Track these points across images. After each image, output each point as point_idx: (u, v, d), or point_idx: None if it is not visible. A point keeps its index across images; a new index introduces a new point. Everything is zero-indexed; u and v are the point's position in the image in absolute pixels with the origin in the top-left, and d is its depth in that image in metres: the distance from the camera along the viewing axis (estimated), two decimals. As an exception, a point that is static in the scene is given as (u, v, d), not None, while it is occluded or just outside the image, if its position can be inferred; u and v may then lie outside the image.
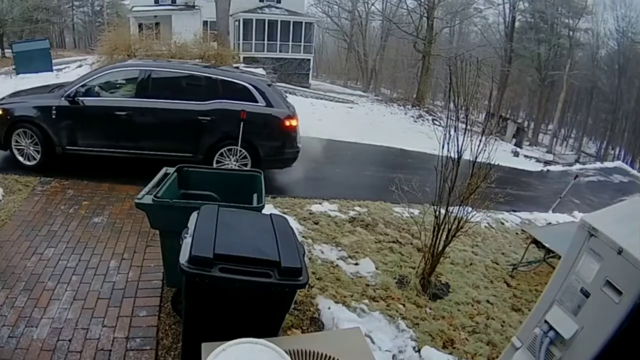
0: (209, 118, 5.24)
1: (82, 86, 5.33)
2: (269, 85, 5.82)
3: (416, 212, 4.99)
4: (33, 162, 5.34)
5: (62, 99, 5.23)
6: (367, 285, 3.68)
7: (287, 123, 5.50)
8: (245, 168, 5.33)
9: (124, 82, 5.66)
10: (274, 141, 5.52)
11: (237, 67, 9.70)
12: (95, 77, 5.49)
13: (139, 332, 2.67)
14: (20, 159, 5.34)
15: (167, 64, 6.26)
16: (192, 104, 5.29)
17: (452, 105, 3.88)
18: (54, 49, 21.45)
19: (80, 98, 5.24)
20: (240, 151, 5.33)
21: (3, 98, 5.66)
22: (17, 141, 5.32)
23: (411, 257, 4.31)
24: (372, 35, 36.74)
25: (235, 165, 5.43)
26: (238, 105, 5.23)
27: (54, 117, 5.22)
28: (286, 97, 6.07)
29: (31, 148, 5.33)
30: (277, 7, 25.45)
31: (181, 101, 5.31)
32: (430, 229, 3.79)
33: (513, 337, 2.15)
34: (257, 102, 5.34)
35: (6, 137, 5.28)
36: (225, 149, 5.37)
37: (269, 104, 5.42)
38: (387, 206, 5.59)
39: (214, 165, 5.32)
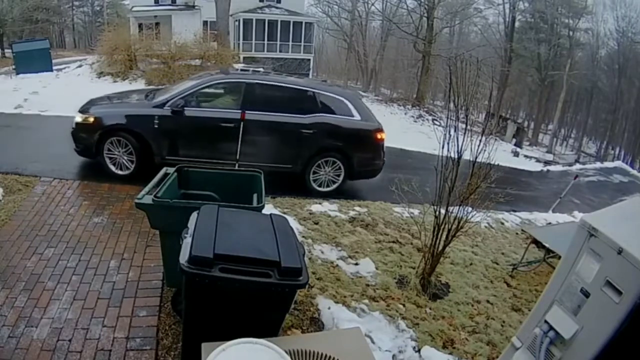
0: (311, 131, 5.39)
1: (187, 97, 5.33)
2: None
3: (416, 212, 4.98)
4: (126, 172, 5.31)
5: (166, 108, 5.23)
6: (367, 285, 3.68)
7: (379, 136, 5.71)
8: (246, 169, 5.34)
9: (224, 93, 5.75)
10: (366, 153, 5.74)
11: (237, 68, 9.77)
12: (199, 88, 5.48)
13: (139, 332, 2.67)
14: (112, 167, 5.30)
15: (269, 77, 6.37)
16: (294, 117, 5.42)
17: (452, 105, 3.88)
18: (54, 49, 21.47)
19: (185, 108, 5.26)
20: (335, 162, 5.58)
21: (86, 106, 5.65)
22: (109, 150, 5.26)
23: (411, 257, 4.31)
24: (372, 35, 36.70)
25: (330, 176, 5.70)
26: (337, 119, 5.48)
27: (156, 126, 5.20)
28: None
29: (125, 157, 5.27)
30: (277, 7, 25.45)
31: (284, 114, 5.43)
32: (430, 229, 3.79)
33: (513, 337, 2.15)
34: (353, 115, 5.53)
35: (98, 146, 5.22)
36: (322, 160, 5.56)
37: (363, 118, 5.63)
38: (387, 206, 5.59)
39: (310, 177, 5.56)
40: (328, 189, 5.72)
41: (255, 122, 5.29)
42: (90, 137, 5.25)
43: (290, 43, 25.05)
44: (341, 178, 5.67)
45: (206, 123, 5.33)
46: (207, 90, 5.56)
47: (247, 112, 5.27)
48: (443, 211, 3.69)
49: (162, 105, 5.28)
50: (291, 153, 5.47)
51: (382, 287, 3.67)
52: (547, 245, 4.62)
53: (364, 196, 6.03)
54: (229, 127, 5.26)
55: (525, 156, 18.24)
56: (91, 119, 5.29)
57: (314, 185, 5.66)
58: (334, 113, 5.51)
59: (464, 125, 3.84)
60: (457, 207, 3.72)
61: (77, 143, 5.40)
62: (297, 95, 5.60)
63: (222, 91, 5.76)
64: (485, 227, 5.69)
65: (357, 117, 5.56)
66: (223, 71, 7.41)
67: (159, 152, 5.31)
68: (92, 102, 5.82)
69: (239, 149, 5.16)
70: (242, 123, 5.16)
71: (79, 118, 5.38)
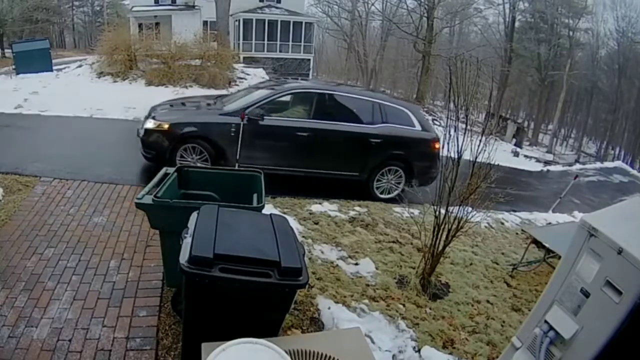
0: (379, 140, 5.58)
1: (262, 106, 5.47)
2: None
3: (416, 212, 4.99)
4: (390, 195, 5.59)
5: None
6: (367, 285, 3.68)
7: (436, 145, 5.90)
8: (246, 168, 5.38)
9: (295, 102, 5.90)
10: (425, 161, 5.95)
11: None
12: (274, 97, 5.63)
13: (139, 332, 2.67)
14: (378, 194, 5.57)
15: (339, 87, 6.56)
16: (363, 127, 5.61)
17: (452, 105, 3.88)
18: (54, 49, 21.47)
19: (263, 117, 5.43)
20: (397, 170, 5.81)
21: (152, 112, 5.71)
22: (182, 156, 5.34)
23: (411, 257, 4.31)
24: (372, 35, 36.71)
25: (391, 184, 5.91)
26: (402, 130, 5.73)
27: (232, 135, 5.28)
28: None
29: (198, 164, 5.35)
30: (277, 7, 25.47)
31: (353, 124, 5.63)
32: (430, 229, 3.79)
33: (513, 337, 2.15)
34: (414, 126, 5.80)
35: (172, 153, 5.30)
36: (386, 168, 5.78)
37: (423, 128, 5.93)
38: (387, 206, 5.59)
39: (375, 185, 5.74)
40: (389, 195, 5.95)
41: (328, 131, 5.52)
42: (164, 143, 5.33)
43: (290, 43, 25.06)
44: (401, 185, 5.88)
45: (282, 132, 5.51)
46: (280, 99, 5.76)
47: (319, 121, 5.55)
48: (443, 211, 3.69)
49: (237, 113, 5.39)
50: (359, 161, 5.64)
51: (382, 287, 3.67)
52: (547, 245, 4.62)
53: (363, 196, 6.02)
54: (302, 135, 5.48)
55: (525, 156, 18.24)
56: (166, 126, 5.34)
57: (377, 193, 5.85)
58: (398, 123, 5.74)
59: (464, 125, 3.84)
60: (457, 207, 3.72)
61: (149, 149, 5.47)
62: (365, 105, 5.77)
63: (293, 101, 5.94)
64: (485, 227, 5.69)
65: (418, 127, 5.83)
66: (287, 81, 7.63)
67: (233, 160, 5.41)
68: (155, 109, 5.93)
69: (308, 157, 5.38)
70: (313, 132, 5.44)
71: (151, 124, 5.43)
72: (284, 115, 5.71)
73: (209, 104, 6.11)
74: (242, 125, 5.26)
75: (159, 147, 5.36)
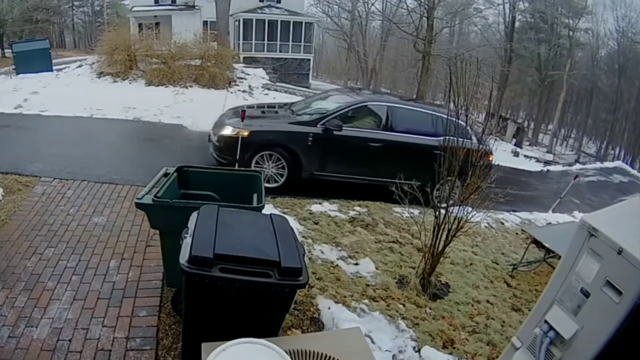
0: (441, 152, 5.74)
1: (338, 117, 5.69)
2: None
3: (416, 212, 4.99)
4: (274, 184, 5.63)
5: (318, 126, 5.61)
6: (367, 285, 3.68)
7: (490, 158, 6.30)
8: (247, 168, 5.40)
9: (366, 114, 6.06)
10: (481, 173, 6.19)
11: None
12: (349, 109, 5.87)
13: (139, 332, 2.67)
14: (437, 202, 5.52)
15: (407, 102, 6.81)
16: (428, 139, 5.70)
17: (452, 105, 3.89)
18: (54, 49, 21.45)
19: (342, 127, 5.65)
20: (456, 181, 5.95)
21: (225, 119, 5.91)
22: (258, 163, 5.56)
23: (411, 257, 4.31)
24: (372, 35, 36.73)
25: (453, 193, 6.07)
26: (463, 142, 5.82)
27: (309, 143, 5.56)
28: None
29: (274, 170, 5.62)
30: (277, 7, 25.46)
31: (419, 136, 5.84)
32: (430, 229, 3.80)
33: (513, 337, 2.15)
34: (471, 139, 6.05)
35: (249, 159, 5.50)
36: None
37: (479, 142, 6.04)
38: (387, 206, 5.59)
39: (435, 193, 5.86)
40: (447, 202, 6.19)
41: (398, 143, 5.80)
42: (242, 150, 5.45)
43: (290, 43, 25.06)
44: (458, 194, 6.04)
45: (355, 142, 5.73)
46: (356, 112, 5.95)
47: (389, 133, 5.81)
48: (443, 211, 3.70)
49: (314, 123, 5.65)
50: (423, 171, 5.65)
51: (382, 287, 3.67)
52: (547, 245, 4.62)
53: (364, 196, 6.03)
54: (374, 146, 5.73)
55: (525, 156, 18.21)
56: (246, 133, 5.47)
57: (436, 202, 6.01)
58: (461, 138, 6.02)
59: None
60: (457, 207, 3.72)
61: (225, 155, 5.62)
62: (429, 119, 5.91)
63: (364, 112, 6.07)
64: (485, 227, 5.69)
65: (474, 140, 6.01)
66: (352, 91, 7.86)
67: (309, 168, 5.70)
68: (226, 116, 6.18)
69: (377, 167, 5.57)
70: (384, 143, 5.70)
71: (229, 131, 5.60)
72: (356, 126, 5.89)
73: (277, 112, 6.42)
74: (319, 135, 5.58)
75: (236, 153, 5.50)
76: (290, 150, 5.56)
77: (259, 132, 5.57)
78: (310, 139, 5.55)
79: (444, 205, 5.91)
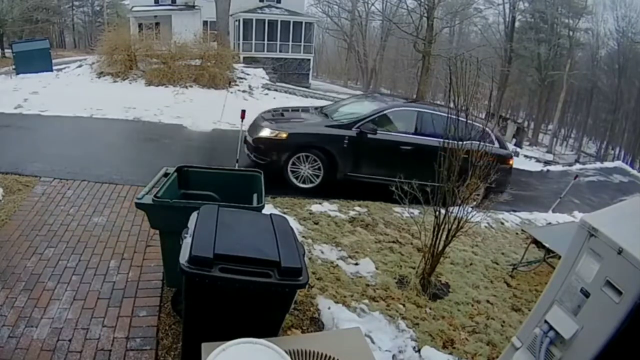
0: (466, 156, 5.95)
1: (372, 121, 5.96)
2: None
3: (416, 212, 4.99)
4: (309, 185, 5.90)
5: (353, 130, 5.86)
6: (367, 285, 3.68)
7: (511, 162, 6.79)
8: (246, 168, 5.42)
9: (397, 119, 6.33)
10: (503, 176, 6.59)
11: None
12: (382, 113, 6.14)
13: (139, 332, 2.67)
14: (294, 181, 5.85)
15: (434, 108, 7.25)
16: (454, 143, 6.07)
17: (452, 105, 3.89)
18: (54, 49, 21.45)
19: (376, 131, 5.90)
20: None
21: (261, 122, 6.14)
22: (294, 164, 5.82)
23: (411, 257, 4.31)
24: (372, 35, 36.75)
25: (475, 195, 6.43)
26: (485, 147, 6.10)
27: (345, 146, 5.82)
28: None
29: (309, 172, 5.87)
30: (277, 7, 25.44)
31: (443, 140, 6.20)
32: (430, 229, 3.79)
33: (513, 337, 2.15)
34: (494, 144, 6.38)
35: (287, 160, 5.79)
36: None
37: (501, 146, 6.66)
38: (387, 206, 5.59)
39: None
40: (474, 204, 6.50)
41: (425, 146, 5.91)
42: (280, 151, 5.79)
43: (290, 43, 25.04)
44: (481, 196, 6.43)
45: (387, 145, 5.97)
46: (389, 117, 6.21)
47: (419, 136, 6.01)
48: (443, 211, 3.69)
49: (350, 126, 5.90)
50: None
51: (382, 287, 3.67)
52: (547, 245, 4.62)
53: (364, 196, 6.03)
54: (405, 149, 5.96)
55: (525, 156, 18.18)
56: (284, 135, 5.78)
57: (459, 202, 6.34)
58: (485, 143, 6.41)
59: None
60: (457, 207, 3.72)
61: (263, 156, 5.87)
62: (455, 125, 6.28)
63: (395, 117, 6.32)
64: (485, 227, 5.69)
65: (497, 144, 6.47)
66: (377, 95, 8.44)
67: (344, 169, 5.93)
68: (263, 118, 6.38)
69: (407, 168, 5.54)
70: (414, 146, 5.91)
71: (268, 133, 5.85)
72: (388, 129, 6.13)
73: (310, 115, 6.67)
74: (354, 138, 5.83)
75: (274, 154, 5.84)
76: (326, 152, 5.80)
77: (297, 134, 5.86)
78: (346, 141, 5.81)
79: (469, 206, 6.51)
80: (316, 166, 5.85)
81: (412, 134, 6.08)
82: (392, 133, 6.08)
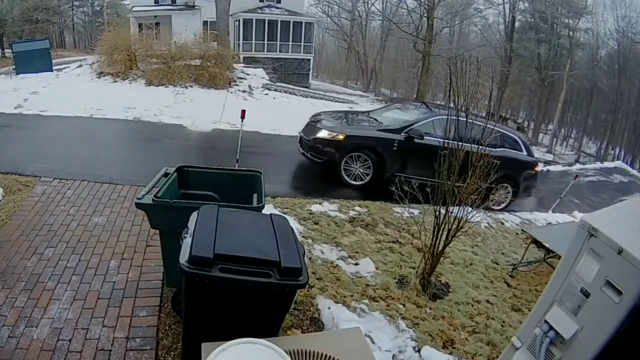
0: (497, 161, 6.36)
1: (421, 127, 6.56)
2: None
3: (416, 212, 4.99)
4: (360, 182, 6.53)
5: (402, 134, 6.47)
6: (367, 285, 3.68)
7: (537, 168, 7.41)
8: (246, 168, 5.47)
9: (435, 125, 6.77)
10: (529, 180, 7.21)
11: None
12: (428, 120, 6.68)
13: (139, 332, 2.67)
14: (346, 178, 6.53)
15: (473, 118, 8.01)
16: (487, 149, 6.49)
17: (452, 105, 3.89)
18: (54, 49, 21.46)
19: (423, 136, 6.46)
20: (506, 187, 6.88)
21: (317, 124, 6.80)
22: (347, 162, 6.49)
23: (411, 257, 4.31)
24: (372, 35, 36.73)
25: (502, 197, 6.94)
26: (513, 154, 6.93)
27: (394, 148, 6.46)
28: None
29: (360, 170, 6.52)
30: (277, 7, 25.43)
31: (479, 146, 6.59)
32: (430, 229, 3.79)
33: (513, 337, 2.15)
34: (522, 151, 7.12)
35: (340, 159, 6.44)
36: (500, 184, 6.79)
37: (528, 153, 7.22)
38: (387, 206, 5.60)
39: (490, 197, 6.68)
40: (500, 207, 6.97)
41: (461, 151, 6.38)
42: (336, 151, 6.42)
43: (290, 43, 25.02)
44: (508, 199, 7.00)
45: (429, 149, 6.30)
46: (431, 122, 6.67)
47: (454, 142, 6.44)
48: (443, 211, 3.69)
49: (399, 131, 6.50)
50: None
51: (382, 287, 3.67)
52: (547, 245, 4.62)
53: (364, 196, 6.03)
54: (444, 153, 6.17)
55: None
56: (342, 137, 6.44)
57: (490, 204, 6.87)
58: (511, 148, 7.03)
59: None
60: (457, 207, 3.72)
61: (321, 155, 6.53)
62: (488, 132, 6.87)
63: (436, 124, 6.68)
64: (485, 227, 5.69)
65: (524, 152, 7.11)
66: (427, 104, 8.85)
67: (391, 169, 6.49)
68: (318, 121, 7.02)
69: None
70: (451, 151, 6.53)
71: (326, 134, 6.50)
72: (431, 135, 6.54)
73: (360, 118, 7.37)
74: (402, 141, 6.42)
75: (330, 153, 6.46)
76: (377, 153, 6.43)
77: (352, 136, 6.49)
78: (395, 144, 6.42)
79: (497, 207, 6.95)
80: (367, 165, 6.47)
81: (452, 139, 6.39)
82: (435, 138, 6.45)
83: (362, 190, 6.29)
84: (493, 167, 4.00)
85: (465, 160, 6.20)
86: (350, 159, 6.46)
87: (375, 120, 7.14)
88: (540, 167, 7.20)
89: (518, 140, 7.19)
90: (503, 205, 7.08)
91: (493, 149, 6.42)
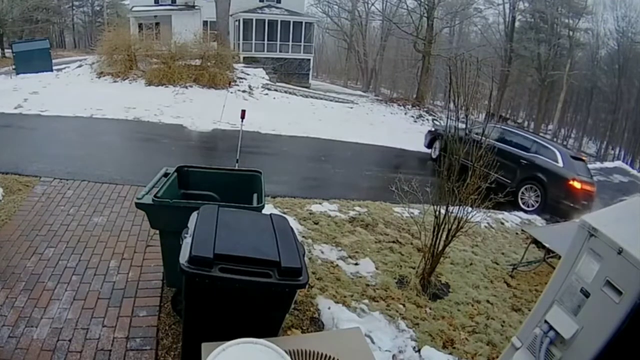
0: (526, 162, 7.91)
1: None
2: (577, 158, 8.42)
3: (416, 212, 4.99)
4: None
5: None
6: (367, 285, 3.68)
7: (571, 182, 7.55)
8: (246, 168, 5.44)
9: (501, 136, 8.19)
10: (559, 191, 7.55)
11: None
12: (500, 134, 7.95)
13: (139, 332, 2.67)
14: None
15: (514, 129, 9.73)
16: (524, 154, 8.04)
17: (452, 105, 3.89)
18: (54, 49, 21.46)
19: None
20: (535, 190, 7.62)
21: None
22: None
23: (411, 257, 4.31)
24: (372, 35, 36.70)
25: (532, 199, 7.67)
26: (544, 161, 7.78)
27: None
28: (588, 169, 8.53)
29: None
30: (277, 7, 25.42)
31: (519, 150, 8.14)
32: (430, 229, 3.79)
33: (513, 337, 2.15)
34: (557, 162, 7.75)
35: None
36: (528, 185, 7.72)
37: (565, 166, 7.68)
38: (387, 206, 5.60)
39: (519, 195, 7.71)
40: (531, 209, 7.54)
41: (507, 153, 7.77)
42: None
43: (290, 43, 25.01)
44: (538, 203, 7.53)
45: (502, 155, 7.10)
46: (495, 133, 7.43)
47: (504, 145, 7.76)
48: (443, 211, 3.69)
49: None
50: (513, 175, 7.82)
51: (382, 287, 3.67)
52: (547, 245, 4.61)
53: (364, 196, 6.03)
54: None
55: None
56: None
57: (520, 203, 7.68)
58: (544, 156, 7.91)
59: (464, 125, 3.84)
60: (457, 207, 3.72)
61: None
62: (528, 142, 8.38)
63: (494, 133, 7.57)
64: (485, 227, 5.69)
65: (560, 164, 7.67)
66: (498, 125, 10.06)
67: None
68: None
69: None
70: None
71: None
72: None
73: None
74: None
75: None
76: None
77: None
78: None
79: (528, 208, 7.63)
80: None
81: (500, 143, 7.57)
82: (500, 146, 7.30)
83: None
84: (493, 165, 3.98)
85: (512, 161, 7.52)
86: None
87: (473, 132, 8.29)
88: (582, 186, 7.34)
89: (557, 152, 7.89)
90: (534, 207, 7.70)
91: (527, 154, 7.91)
